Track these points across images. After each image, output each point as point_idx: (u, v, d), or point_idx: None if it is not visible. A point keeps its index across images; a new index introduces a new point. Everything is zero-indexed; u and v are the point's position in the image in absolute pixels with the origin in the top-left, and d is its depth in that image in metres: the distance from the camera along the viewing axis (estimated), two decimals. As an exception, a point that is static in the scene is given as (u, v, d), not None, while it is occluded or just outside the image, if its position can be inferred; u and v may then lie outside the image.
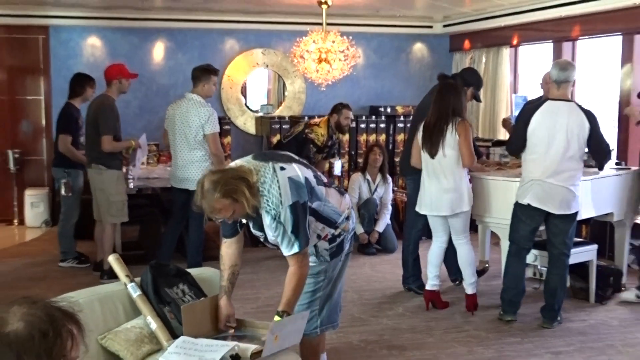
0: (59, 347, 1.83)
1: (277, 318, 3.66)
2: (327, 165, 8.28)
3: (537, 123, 5.52)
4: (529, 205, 5.56)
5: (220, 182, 3.47)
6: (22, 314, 1.84)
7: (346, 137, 9.70)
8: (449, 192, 5.78)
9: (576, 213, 5.62)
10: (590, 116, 5.50)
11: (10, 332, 1.81)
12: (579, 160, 5.55)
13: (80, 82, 7.34)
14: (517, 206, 5.66)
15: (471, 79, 6.40)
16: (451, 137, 5.69)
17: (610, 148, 5.93)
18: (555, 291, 5.64)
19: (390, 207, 8.28)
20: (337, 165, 8.28)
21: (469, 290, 5.99)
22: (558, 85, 5.54)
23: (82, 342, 1.92)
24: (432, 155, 5.77)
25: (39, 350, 1.80)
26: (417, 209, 6.06)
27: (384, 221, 8.14)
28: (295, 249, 3.63)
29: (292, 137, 7.83)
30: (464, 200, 5.81)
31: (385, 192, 8.24)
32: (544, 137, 5.48)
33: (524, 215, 5.63)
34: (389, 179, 8.34)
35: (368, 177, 8.21)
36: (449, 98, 5.76)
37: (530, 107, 5.76)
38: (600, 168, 5.88)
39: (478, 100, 6.72)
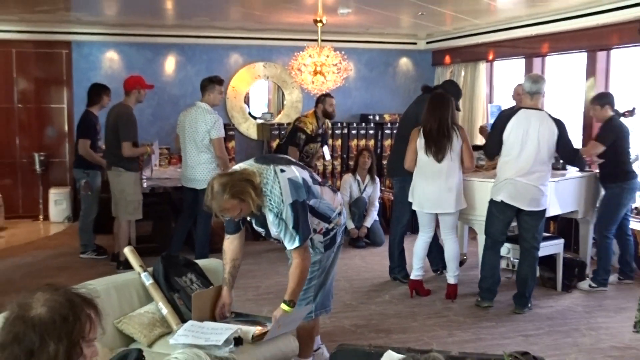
0: (78, 329, 1.82)
1: (283, 305, 3.67)
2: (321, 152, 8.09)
3: (511, 129, 5.53)
4: (502, 202, 5.57)
5: (229, 184, 3.48)
6: (45, 300, 1.83)
7: (338, 142, 9.71)
8: (452, 192, 5.78)
9: (544, 210, 5.63)
10: (559, 124, 5.52)
11: (34, 316, 1.81)
12: (548, 163, 5.57)
13: (97, 91, 7.31)
14: (492, 203, 5.66)
15: (451, 90, 6.38)
16: (457, 143, 5.73)
17: (579, 151, 5.94)
18: (526, 280, 5.64)
19: (377, 205, 8.26)
20: (326, 151, 8.09)
21: (452, 280, 5.98)
22: (531, 96, 5.56)
23: (100, 325, 1.92)
24: (440, 159, 5.73)
25: (60, 332, 1.80)
26: (418, 208, 5.96)
27: (371, 217, 8.13)
28: (297, 243, 3.65)
29: (287, 135, 7.79)
30: (462, 198, 5.86)
31: (373, 191, 8.22)
32: (518, 141, 5.49)
33: (497, 211, 5.63)
34: (377, 179, 8.32)
35: (358, 177, 8.19)
36: (446, 107, 5.76)
37: (506, 115, 5.78)
38: (580, 168, 5.97)
39: (457, 109, 6.71)
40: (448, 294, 5.98)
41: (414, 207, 6.03)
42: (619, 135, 6.11)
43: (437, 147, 5.73)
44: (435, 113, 5.75)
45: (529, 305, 5.69)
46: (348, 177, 8.24)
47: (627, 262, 6.38)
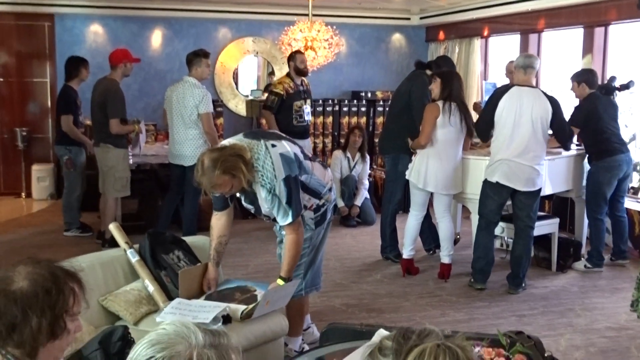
0: (61, 303, 1.80)
1: (280, 282, 3.68)
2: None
3: (504, 107, 5.51)
4: (497, 183, 5.54)
5: (220, 159, 3.45)
6: (27, 273, 1.81)
7: (329, 119, 9.68)
8: (459, 171, 5.85)
9: (540, 189, 5.62)
10: (553, 101, 5.51)
11: (16, 290, 1.78)
12: (543, 142, 5.53)
13: (75, 65, 7.18)
14: (486, 183, 5.64)
15: (445, 66, 6.35)
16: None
17: (572, 131, 5.93)
18: (521, 260, 5.64)
19: (366, 183, 8.22)
20: (307, 110, 7.54)
21: (446, 260, 5.97)
22: (524, 70, 5.54)
23: (84, 300, 1.90)
24: (461, 133, 5.78)
25: (43, 306, 1.77)
26: (425, 187, 5.82)
27: (361, 196, 8.10)
28: (290, 218, 3.65)
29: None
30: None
31: (363, 169, 8.19)
32: (511, 120, 5.46)
33: (492, 192, 5.60)
34: (367, 157, 8.28)
35: (348, 155, 8.15)
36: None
37: (498, 92, 5.75)
38: (566, 148, 5.85)
39: None
40: (441, 273, 5.98)
41: (421, 187, 5.84)
42: (590, 115, 6.07)
43: (466, 122, 5.74)
44: (461, 89, 5.79)
45: (523, 285, 5.69)
46: (338, 154, 8.20)
47: (617, 244, 6.37)
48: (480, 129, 5.87)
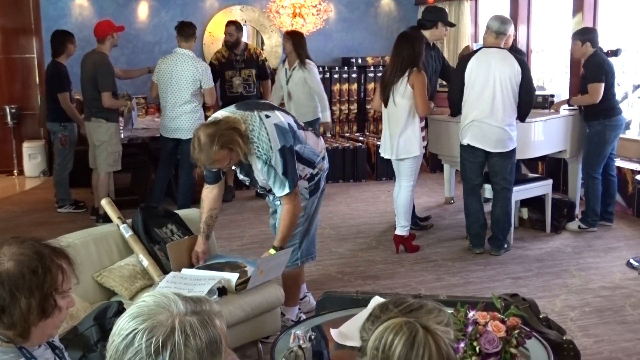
0: (49, 281, 1.79)
1: (272, 251, 3.68)
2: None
3: (472, 68, 5.50)
4: (468, 145, 5.54)
5: (217, 134, 3.43)
6: (12, 254, 1.79)
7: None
8: (396, 138, 5.58)
9: (512, 151, 5.55)
10: (521, 63, 5.44)
11: (2, 272, 1.77)
12: (513, 102, 5.46)
13: (60, 41, 7.03)
14: (461, 147, 5.65)
15: (436, 17, 6.23)
16: (402, 87, 5.46)
17: (535, 99, 5.86)
18: (499, 221, 5.65)
19: (324, 95, 7.22)
20: (237, 81, 7.36)
21: (398, 231, 5.74)
22: (496, 35, 5.52)
23: (74, 275, 1.88)
24: (385, 104, 5.64)
25: (30, 286, 1.76)
26: (381, 152, 5.89)
27: (325, 109, 7.23)
28: (287, 189, 3.64)
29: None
30: (412, 146, 5.56)
31: (309, 76, 7.07)
32: (479, 80, 5.45)
33: (466, 154, 5.64)
34: (311, 63, 7.14)
35: (286, 65, 7.36)
36: (402, 48, 5.52)
37: (467, 55, 5.75)
38: (522, 119, 5.62)
39: (452, 25, 6.59)
40: (395, 244, 5.77)
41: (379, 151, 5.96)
42: (606, 70, 6.02)
43: (385, 92, 5.62)
44: (391, 56, 5.65)
45: (505, 246, 5.69)
46: (280, 66, 7.52)
47: (606, 204, 6.30)
48: (451, 100, 5.73)
